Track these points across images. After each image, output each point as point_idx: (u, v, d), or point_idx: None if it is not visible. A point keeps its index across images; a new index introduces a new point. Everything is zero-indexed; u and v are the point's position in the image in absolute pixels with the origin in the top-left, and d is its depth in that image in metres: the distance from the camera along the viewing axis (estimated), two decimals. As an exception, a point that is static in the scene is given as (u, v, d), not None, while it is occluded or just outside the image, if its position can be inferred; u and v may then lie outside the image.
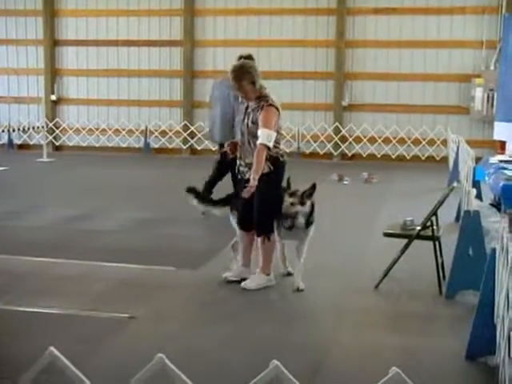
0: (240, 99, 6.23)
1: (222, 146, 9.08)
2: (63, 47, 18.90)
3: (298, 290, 6.10)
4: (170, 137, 18.32)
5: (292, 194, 6.05)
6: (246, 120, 6.09)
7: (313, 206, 6.15)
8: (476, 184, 8.96)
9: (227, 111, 9.24)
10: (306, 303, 5.93)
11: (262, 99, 6.01)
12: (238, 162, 6.22)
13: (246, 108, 6.13)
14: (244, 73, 5.99)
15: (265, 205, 6.06)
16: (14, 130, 17.75)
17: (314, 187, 6.09)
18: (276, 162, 6.06)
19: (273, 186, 6.08)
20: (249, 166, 6.05)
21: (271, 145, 5.90)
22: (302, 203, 6.01)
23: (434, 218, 6.18)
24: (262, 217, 6.11)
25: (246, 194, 5.90)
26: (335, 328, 5.30)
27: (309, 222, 6.13)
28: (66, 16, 18.76)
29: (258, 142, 5.88)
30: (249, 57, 9.76)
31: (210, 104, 9.96)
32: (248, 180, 5.98)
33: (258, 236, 6.18)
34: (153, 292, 6.13)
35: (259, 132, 5.89)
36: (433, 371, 4.48)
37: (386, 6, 17.03)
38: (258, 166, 5.89)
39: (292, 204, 6.00)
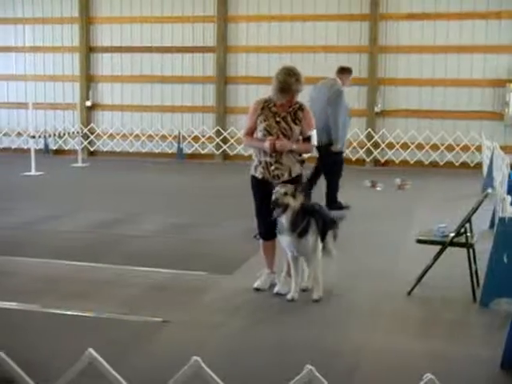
0: (272, 102, 6.21)
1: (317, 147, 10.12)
2: (98, 54, 19.17)
3: (315, 300, 6.02)
4: (203, 142, 18.44)
5: (284, 186, 5.95)
6: (286, 123, 6.12)
7: (316, 219, 6.06)
8: (511, 190, 8.86)
9: (322, 114, 10.00)
10: (339, 307, 5.93)
11: (296, 102, 6.22)
12: (272, 166, 6.16)
13: (275, 113, 6.15)
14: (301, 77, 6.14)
15: None
16: (50, 136, 18.05)
17: (302, 186, 6.07)
18: (303, 165, 6.31)
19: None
20: (285, 168, 6.11)
21: None
22: (294, 196, 5.90)
23: (467, 225, 6.14)
24: None
25: (282, 147, 6.02)
26: (368, 333, 5.30)
27: (302, 230, 5.94)
28: (101, 23, 19.03)
29: (313, 143, 6.25)
30: (349, 68, 10.75)
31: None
32: (284, 182, 6.04)
33: None
34: (186, 296, 6.18)
35: (312, 133, 6.20)
36: (466, 379, 4.46)
37: (419, 11, 16.95)
38: (303, 150, 6.27)
39: (285, 194, 5.88)
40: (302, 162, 6.28)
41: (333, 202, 10.50)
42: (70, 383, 3.04)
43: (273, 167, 6.16)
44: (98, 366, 2.88)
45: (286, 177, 6.12)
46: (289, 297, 6.06)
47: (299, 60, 17.05)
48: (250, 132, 6.29)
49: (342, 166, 10.89)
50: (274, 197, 5.87)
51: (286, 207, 5.88)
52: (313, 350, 4.88)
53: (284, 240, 6.06)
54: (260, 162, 6.22)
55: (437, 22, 16.90)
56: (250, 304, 6.01)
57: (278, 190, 5.89)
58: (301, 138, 6.21)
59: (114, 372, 2.86)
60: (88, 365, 2.91)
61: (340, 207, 10.48)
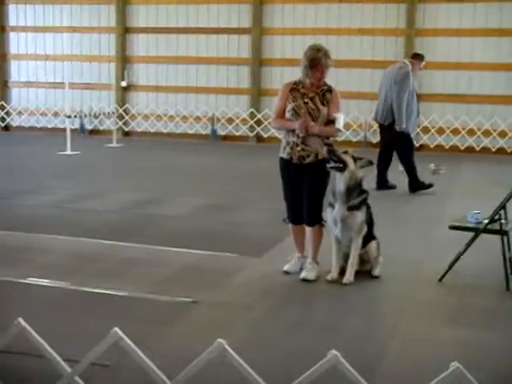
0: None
1: (381, 125, 11.01)
2: (134, 35, 19.21)
3: (344, 284, 6.01)
4: (237, 124, 18.41)
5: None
6: (313, 103, 6.08)
7: (368, 208, 6.15)
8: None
9: (388, 95, 10.63)
10: (368, 293, 5.90)
11: (325, 83, 6.19)
12: (298, 147, 6.10)
13: (303, 94, 6.11)
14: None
15: (320, 191, 6.17)
16: (85, 116, 18.20)
17: (368, 160, 6.16)
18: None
19: (328, 172, 6.17)
20: (311, 150, 6.08)
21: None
22: (355, 160, 6.02)
23: (502, 212, 6.04)
24: (316, 205, 6.16)
25: (312, 128, 5.98)
26: (397, 319, 5.26)
27: (355, 204, 6.01)
28: (137, 4, 19.05)
29: (338, 127, 6.08)
30: (421, 54, 11.23)
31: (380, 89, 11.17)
32: (309, 164, 6.06)
33: (312, 225, 6.22)
34: (216, 278, 6.20)
35: (338, 115, 6.09)
36: (498, 368, 4.39)
37: (458, -7, 16.61)
38: (328, 133, 6.13)
39: (345, 152, 6.03)
40: (330, 145, 6.21)
41: (415, 181, 10.84)
42: (96, 361, 3.08)
43: (299, 148, 6.12)
44: (123, 346, 2.90)
45: (311, 159, 6.10)
46: (329, 277, 6.08)
47: (335, 42, 16.88)
48: (280, 115, 6.27)
49: (411, 149, 11.18)
50: (334, 150, 5.99)
51: (343, 165, 5.96)
52: (341, 336, 4.86)
53: (333, 212, 6.07)
54: (288, 143, 6.21)
55: (476, 4, 16.55)
56: (279, 287, 6.01)
57: (337, 149, 6.02)
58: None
59: (138, 351, 2.88)
60: (113, 344, 2.93)
61: (424, 187, 10.81)
